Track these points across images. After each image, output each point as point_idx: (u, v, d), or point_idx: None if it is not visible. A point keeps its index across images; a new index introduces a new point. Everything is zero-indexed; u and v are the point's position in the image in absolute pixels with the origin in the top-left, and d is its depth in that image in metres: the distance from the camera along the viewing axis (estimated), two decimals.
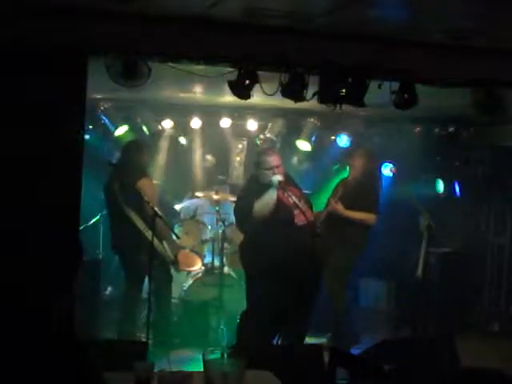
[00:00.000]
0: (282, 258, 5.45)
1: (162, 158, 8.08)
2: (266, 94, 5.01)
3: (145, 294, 6.45)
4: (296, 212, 5.65)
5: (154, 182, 6.95)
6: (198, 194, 7.76)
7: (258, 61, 4.90)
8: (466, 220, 8.19)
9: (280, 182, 5.63)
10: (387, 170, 7.85)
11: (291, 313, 5.66)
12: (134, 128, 7.60)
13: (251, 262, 5.73)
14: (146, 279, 6.39)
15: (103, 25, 4.57)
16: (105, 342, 4.39)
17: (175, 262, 6.61)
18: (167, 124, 7.76)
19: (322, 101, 5.15)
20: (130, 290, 6.48)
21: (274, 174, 5.66)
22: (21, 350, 2.22)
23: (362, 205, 6.75)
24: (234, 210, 5.95)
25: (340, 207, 6.68)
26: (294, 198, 5.67)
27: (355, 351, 6.38)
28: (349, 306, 6.94)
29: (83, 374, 2.27)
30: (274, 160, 5.74)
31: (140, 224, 6.17)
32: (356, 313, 7.24)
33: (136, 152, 6.47)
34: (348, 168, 7.16)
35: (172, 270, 6.75)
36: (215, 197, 7.36)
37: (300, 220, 5.65)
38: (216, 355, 6.33)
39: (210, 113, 7.71)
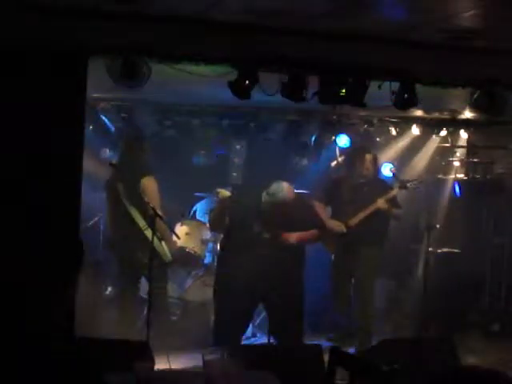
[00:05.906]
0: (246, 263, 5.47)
1: (161, 158, 8.06)
2: (266, 93, 5.01)
3: (143, 294, 6.45)
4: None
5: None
6: (199, 194, 7.74)
7: (257, 61, 4.90)
8: (466, 220, 8.18)
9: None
10: (387, 170, 7.83)
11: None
12: (134, 128, 7.58)
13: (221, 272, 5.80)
14: (142, 278, 6.41)
15: (103, 25, 4.56)
16: (105, 341, 4.37)
17: (173, 263, 6.61)
18: (167, 124, 7.73)
19: (321, 101, 5.15)
20: (127, 289, 6.48)
21: None
22: (21, 350, 2.22)
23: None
24: None
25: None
26: None
27: (355, 351, 6.40)
28: (349, 306, 6.95)
29: (83, 373, 2.27)
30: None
31: (141, 222, 6.18)
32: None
33: (139, 149, 6.49)
34: (347, 169, 7.15)
35: (169, 270, 6.74)
36: (215, 197, 7.32)
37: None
38: (216, 355, 6.34)
39: (211, 113, 7.70)
